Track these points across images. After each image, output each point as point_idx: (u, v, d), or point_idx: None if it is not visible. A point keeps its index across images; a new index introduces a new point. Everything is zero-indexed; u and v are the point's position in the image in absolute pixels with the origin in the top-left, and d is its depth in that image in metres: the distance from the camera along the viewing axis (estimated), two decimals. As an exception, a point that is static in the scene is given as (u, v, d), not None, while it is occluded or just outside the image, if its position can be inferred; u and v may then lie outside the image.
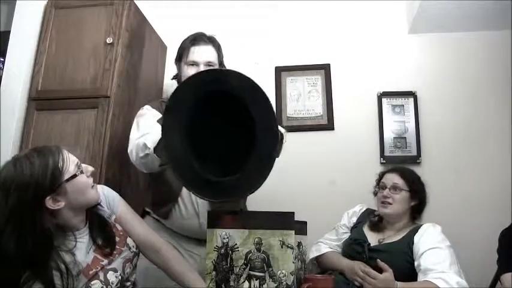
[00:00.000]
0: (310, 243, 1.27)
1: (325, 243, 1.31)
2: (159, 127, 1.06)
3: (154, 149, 0.95)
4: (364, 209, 1.34)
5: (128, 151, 1.12)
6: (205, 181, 0.78)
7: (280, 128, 0.79)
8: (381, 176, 1.32)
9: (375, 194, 1.30)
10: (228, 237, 0.87)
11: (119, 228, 0.92)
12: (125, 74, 1.46)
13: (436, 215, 1.29)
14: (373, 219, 1.26)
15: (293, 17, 1.87)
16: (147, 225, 0.99)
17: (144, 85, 1.64)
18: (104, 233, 0.87)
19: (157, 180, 1.20)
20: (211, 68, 1.22)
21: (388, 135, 1.70)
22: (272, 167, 0.75)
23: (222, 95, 0.76)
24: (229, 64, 1.31)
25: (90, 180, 0.86)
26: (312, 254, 1.29)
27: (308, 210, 1.19)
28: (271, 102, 0.75)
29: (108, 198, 0.94)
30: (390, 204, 1.21)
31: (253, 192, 0.77)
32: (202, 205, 1.17)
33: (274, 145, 0.76)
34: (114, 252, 0.87)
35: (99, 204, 0.90)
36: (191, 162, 0.78)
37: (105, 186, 0.97)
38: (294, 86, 1.82)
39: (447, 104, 1.70)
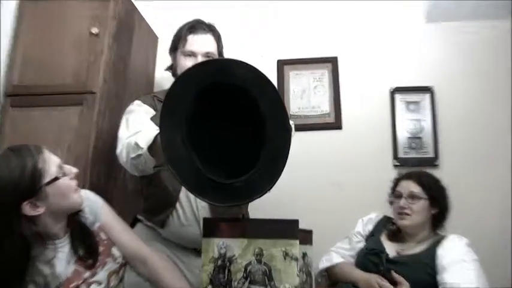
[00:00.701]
0: (316, 254, 1.25)
1: (337, 253, 1.31)
2: (151, 124, 1.07)
3: (149, 148, 0.95)
4: (381, 216, 1.34)
5: (117, 152, 1.11)
6: (213, 184, 0.79)
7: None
8: (396, 183, 1.31)
9: (391, 203, 1.29)
10: (225, 248, 0.87)
11: (103, 237, 0.92)
12: (112, 67, 1.46)
13: (456, 223, 1.28)
14: (392, 228, 1.25)
15: (297, 5, 1.86)
16: (134, 234, 0.99)
17: (134, 79, 1.63)
18: (86, 243, 0.87)
19: (151, 184, 1.20)
20: (211, 58, 1.22)
21: (402, 135, 1.70)
22: (285, 165, 0.76)
23: (225, 87, 0.76)
24: (229, 56, 1.30)
25: (74, 183, 0.86)
26: (322, 264, 1.29)
27: (314, 218, 1.18)
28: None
29: (91, 204, 0.94)
30: (408, 215, 1.21)
31: (264, 194, 0.77)
32: (203, 211, 1.16)
33: (287, 141, 0.76)
34: (98, 263, 0.87)
35: (81, 210, 0.89)
36: (195, 163, 0.78)
37: (88, 191, 0.97)
38: (298, 81, 1.81)
39: (467, 99, 1.69)
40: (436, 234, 1.23)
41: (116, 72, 1.49)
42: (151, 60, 1.82)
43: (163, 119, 0.78)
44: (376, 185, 1.48)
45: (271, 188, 0.77)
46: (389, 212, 1.32)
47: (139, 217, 1.26)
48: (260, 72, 0.74)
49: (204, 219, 0.93)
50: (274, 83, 1.74)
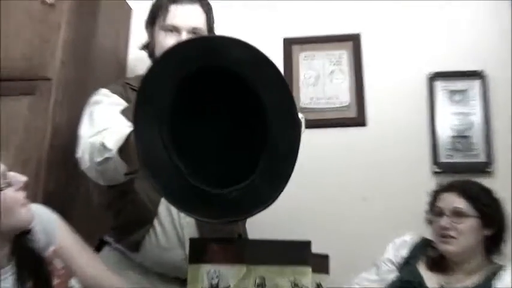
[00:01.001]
0: (334, 286, 1.25)
1: (361, 285, 1.30)
2: (123, 120, 1.08)
3: (119, 150, 0.95)
4: (418, 238, 1.34)
5: (78, 154, 1.12)
6: (202, 194, 0.78)
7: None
8: (435, 196, 1.31)
9: (430, 222, 1.29)
10: (217, 276, 0.87)
11: (59, 265, 0.91)
12: (72, 46, 1.46)
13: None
14: (432, 255, 1.25)
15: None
16: (100, 261, 0.98)
17: (100, 62, 1.64)
18: (36, 273, 0.86)
19: (122, 195, 1.20)
20: (199, 35, 1.22)
21: (444, 133, 1.69)
22: (293, 169, 0.76)
23: (217, 72, 0.76)
24: (221, 33, 1.31)
25: (21, 195, 0.85)
26: (344, 299, 1.29)
27: (331, 240, 1.18)
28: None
29: (44, 222, 0.93)
30: (453, 238, 1.20)
31: (267, 206, 0.77)
32: (189, 229, 1.17)
33: (296, 139, 0.76)
34: (51, 299, 0.86)
35: (29, 231, 0.88)
36: (179, 169, 0.78)
37: (39, 206, 0.96)
38: (310, 64, 1.82)
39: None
40: (491, 263, 1.23)
41: (77, 53, 1.49)
42: (123, 37, 1.83)
43: (137, 113, 0.78)
44: (410, 199, 1.48)
45: (276, 199, 0.77)
46: (429, 233, 1.31)
47: (107, 239, 1.26)
48: (260, 52, 0.74)
49: (191, 240, 0.94)
50: (280, 67, 1.76)
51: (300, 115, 0.86)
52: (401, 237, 1.35)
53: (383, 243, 1.37)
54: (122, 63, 1.82)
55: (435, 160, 1.67)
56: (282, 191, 0.76)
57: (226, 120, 0.85)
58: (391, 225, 1.52)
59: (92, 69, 1.58)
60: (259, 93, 0.75)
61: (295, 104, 0.77)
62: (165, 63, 0.78)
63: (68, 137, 1.33)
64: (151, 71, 0.78)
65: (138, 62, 1.69)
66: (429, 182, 1.52)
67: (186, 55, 0.77)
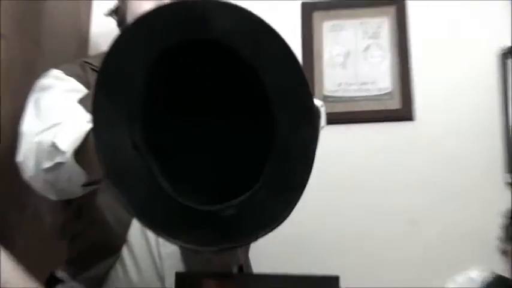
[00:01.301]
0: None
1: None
2: (81, 112, 1.09)
3: (75, 153, 0.96)
4: (489, 275, 1.33)
5: (19, 158, 1.12)
6: (189, 213, 0.78)
7: (315, 100, 0.79)
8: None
9: (504, 253, 1.30)
10: None
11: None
12: (16, 17, 1.47)
13: None
14: None
15: None
16: None
17: (55, 36, 1.65)
18: None
19: (80, 215, 1.21)
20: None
21: (523, 131, 1.70)
22: (309, 177, 0.75)
23: (206, 48, 0.76)
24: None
25: None
26: None
27: (365, 273, 1.16)
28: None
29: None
30: None
31: (276, 227, 0.76)
32: (171, 259, 1.18)
33: (311, 136, 0.76)
34: None
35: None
36: (157, 180, 0.78)
37: None
38: (338, 37, 1.84)
39: None
40: None
41: (22, 26, 1.50)
42: (85, 4, 1.85)
43: (98, 100, 0.78)
44: (476, 221, 1.47)
45: (287, 217, 0.76)
46: (503, 268, 1.31)
47: (60, 274, 1.26)
48: (261, 20, 0.73)
49: (177, 274, 0.93)
50: (297, 41, 1.78)
51: (319, 103, 0.87)
52: (465, 273, 1.36)
53: (437, 280, 1.37)
54: (83, 38, 1.84)
55: (510, 167, 1.67)
56: (294, 206, 0.76)
57: (220, 112, 0.85)
58: (449, 256, 1.52)
59: (43, 46, 1.59)
60: (259, 75, 0.75)
61: (309, 89, 0.76)
62: (137, 33, 0.78)
63: (11, 138, 1.33)
64: (118, 42, 0.77)
65: (104, 36, 1.71)
66: (502, 198, 1.51)
67: (165, 23, 0.77)
